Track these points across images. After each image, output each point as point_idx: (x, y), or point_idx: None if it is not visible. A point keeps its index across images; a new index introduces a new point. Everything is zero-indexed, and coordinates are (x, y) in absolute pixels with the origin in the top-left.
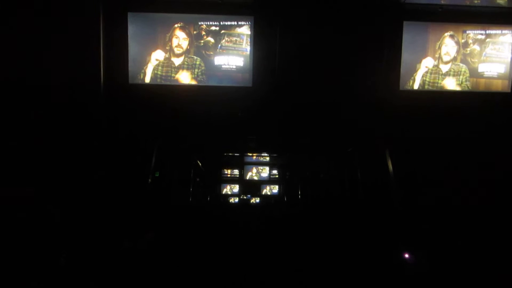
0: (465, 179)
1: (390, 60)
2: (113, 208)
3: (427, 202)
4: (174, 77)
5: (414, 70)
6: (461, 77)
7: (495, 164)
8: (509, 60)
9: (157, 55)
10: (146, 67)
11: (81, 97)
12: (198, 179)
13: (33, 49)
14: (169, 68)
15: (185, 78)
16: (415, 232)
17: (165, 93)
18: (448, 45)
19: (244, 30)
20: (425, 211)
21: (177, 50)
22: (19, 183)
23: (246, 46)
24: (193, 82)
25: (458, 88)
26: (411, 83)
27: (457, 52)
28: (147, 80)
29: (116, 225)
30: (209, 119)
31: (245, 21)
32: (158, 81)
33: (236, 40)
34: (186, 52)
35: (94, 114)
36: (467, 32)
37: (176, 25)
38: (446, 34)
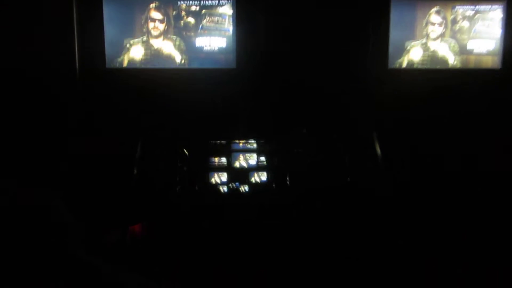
0: (456, 158)
1: (377, 38)
2: (98, 201)
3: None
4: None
5: (403, 49)
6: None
7: (485, 145)
8: (498, 36)
9: (135, 37)
10: (124, 50)
11: (55, 82)
12: (185, 168)
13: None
14: (148, 51)
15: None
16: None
17: (144, 77)
18: (434, 21)
19: (226, 9)
20: (415, 193)
21: (154, 32)
22: None
23: (228, 26)
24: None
25: (448, 63)
26: (400, 62)
27: (445, 28)
28: (125, 64)
29: (102, 218)
30: (193, 104)
31: None
32: (138, 65)
33: (218, 20)
34: (164, 33)
35: (69, 100)
36: (456, 8)
37: (151, 6)
38: (432, 10)
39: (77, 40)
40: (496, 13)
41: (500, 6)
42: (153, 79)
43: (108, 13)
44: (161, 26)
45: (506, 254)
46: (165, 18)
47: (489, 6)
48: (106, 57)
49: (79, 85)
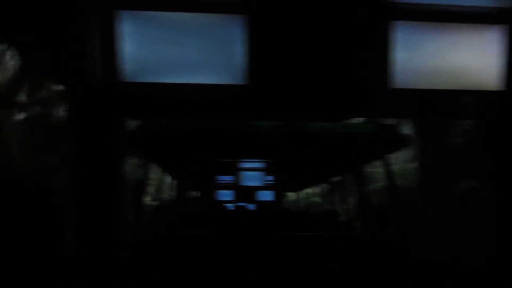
0: None
1: (381, 59)
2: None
3: None
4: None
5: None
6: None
7: None
8: None
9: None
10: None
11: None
12: (193, 186)
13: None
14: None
15: None
16: None
17: (159, 93)
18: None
19: None
20: None
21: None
22: None
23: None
24: None
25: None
26: None
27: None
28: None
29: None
30: (206, 122)
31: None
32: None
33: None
34: None
35: (84, 112)
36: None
37: None
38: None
39: (95, 53)
40: None
41: None
42: (168, 94)
43: (125, 29)
44: None
45: None
46: None
47: None
48: (123, 71)
49: (93, 96)
